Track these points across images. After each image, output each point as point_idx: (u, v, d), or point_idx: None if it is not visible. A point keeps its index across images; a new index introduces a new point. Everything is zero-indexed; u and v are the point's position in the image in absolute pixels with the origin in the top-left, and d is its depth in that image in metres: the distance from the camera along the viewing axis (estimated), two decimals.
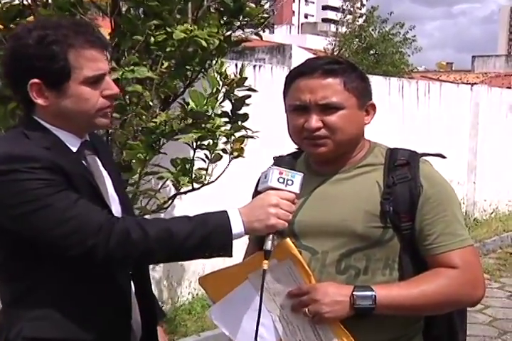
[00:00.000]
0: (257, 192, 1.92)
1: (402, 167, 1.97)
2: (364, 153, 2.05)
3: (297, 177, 1.86)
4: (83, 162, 1.97)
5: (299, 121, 1.96)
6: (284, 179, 1.85)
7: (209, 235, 1.79)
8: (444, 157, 2.09)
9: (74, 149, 1.95)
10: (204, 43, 3.63)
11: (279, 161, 2.00)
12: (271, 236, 1.83)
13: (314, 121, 1.93)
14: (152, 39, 3.66)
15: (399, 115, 8.61)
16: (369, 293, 1.85)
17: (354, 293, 1.85)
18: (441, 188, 1.99)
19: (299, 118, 1.96)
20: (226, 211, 1.84)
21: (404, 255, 1.96)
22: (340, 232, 1.94)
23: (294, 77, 1.99)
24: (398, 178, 1.95)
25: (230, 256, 1.84)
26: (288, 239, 1.90)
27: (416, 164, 1.98)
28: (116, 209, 2.00)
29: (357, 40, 21.63)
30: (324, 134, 1.94)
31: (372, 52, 21.34)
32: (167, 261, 2.02)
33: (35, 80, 1.86)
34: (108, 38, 3.84)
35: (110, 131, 3.86)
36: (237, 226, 1.81)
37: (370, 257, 1.94)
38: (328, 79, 1.94)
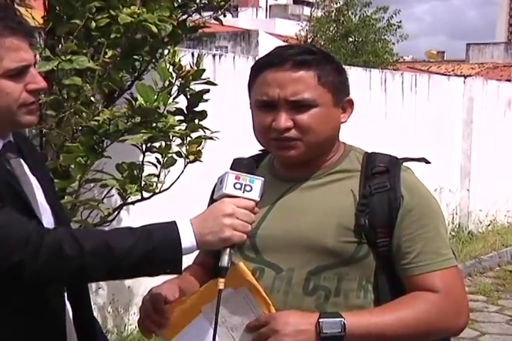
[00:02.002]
0: (212, 201, 1.92)
1: (381, 175, 1.99)
2: (338, 157, 2.07)
3: (256, 183, 1.86)
4: (6, 166, 1.95)
5: (265, 120, 1.98)
6: (241, 185, 1.85)
7: (154, 249, 1.79)
8: (428, 162, 2.11)
9: None
10: (154, 29, 3.63)
11: (235, 165, 2.01)
12: (227, 250, 1.83)
13: (283, 121, 1.94)
14: (93, 23, 3.65)
15: (381, 112, 8.68)
16: (337, 319, 1.86)
17: (320, 319, 1.86)
18: (424, 200, 2.01)
19: (266, 117, 1.97)
20: (175, 222, 1.84)
21: (380, 275, 1.98)
22: (309, 247, 1.96)
23: (260, 68, 2.00)
24: (376, 188, 1.97)
25: (180, 273, 1.85)
26: (241, 263, 1.91)
27: (396, 172, 2.00)
28: (47, 220, 1.99)
29: (334, 25, 21.76)
30: (295, 135, 1.96)
31: (351, 39, 21.49)
32: (106, 279, 2.02)
33: None
34: (41, 21, 3.83)
35: (44, 131, 3.85)
36: (187, 239, 1.81)
37: (342, 276, 1.96)
38: (300, 71, 1.95)
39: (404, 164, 2.06)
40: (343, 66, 2.12)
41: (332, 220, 1.96)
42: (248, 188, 1.85)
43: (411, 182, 2.01)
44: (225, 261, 1.82)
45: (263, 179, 1.88)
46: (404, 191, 1.97)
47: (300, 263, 1.96)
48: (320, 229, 1.96)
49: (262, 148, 2.15)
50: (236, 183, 1.85)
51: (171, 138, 3.80)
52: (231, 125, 5.60)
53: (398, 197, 1.96)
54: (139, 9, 3.65)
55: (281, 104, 1.95)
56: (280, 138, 1.96)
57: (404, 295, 1.95)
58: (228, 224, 1.81)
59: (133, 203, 4.02)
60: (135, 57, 3.95)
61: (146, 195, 3.94)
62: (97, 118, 3.63)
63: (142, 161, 3.84)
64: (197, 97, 3.85)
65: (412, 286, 1.95)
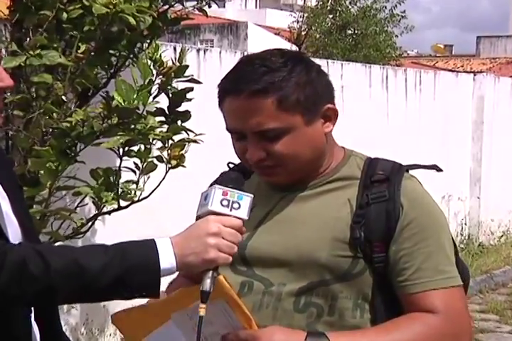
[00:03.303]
0: (196, 218, 1.92)
1: (380, 183, 2.00)
2: (336, 164, 2.08)
3: (245, 200, 1.86)
4: None
5: (240, 148, 2.02)
6: (228, 201, 1.84)
7: (129, 270, 1.78)
8: (439, 170, 2.11)
9: None
10: (132, 21, 3.64)
11: (222, 179, 2.01)
12: (210, 273, 1.82)
13: (254, 154, 1.98)
14: (65, 15, 3.65)
15: (382, 112, 8.69)
16: None
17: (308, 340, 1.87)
18: (427, 211, 2.01)
19: (240, 145, 2.02)
20: (154, 240, 1.83)
21: (378, 293, 1.99)
22: (301, 261, 1.97)
23: (221, 94, 2.02)
24: (373, 197, 1.98)
25: (157, 296, 1.84)
26: (221, 277, 1.91)
27: (397, 180, 2.00)
28: (14, 232, 1.98)
29: (330, 16, 21.79)
30: (272, 164, 1.99)
31: (349, 31, 21.51)
32: (75, 302, 2.01)
33: None
34: (7, 12, 3.83)
35: (11, 133, 3.84)
36: (166, 260, 1.80)
37: (336, 294, 1.97)
38: (258, 101, 1.94)
39: (410, 171, 2.07)
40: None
41: (326, 233, 1.98)
42: (236, 206, 1.85)
43: (413, 191, 2.02)
44: (207, 284, 1.81)
45: (252, 196, 1.88)
46: (404, 201, 1.98)
47: (292, 278, 1.98)
48: (313, 242, 1.98)
49: None
50: (223, 200, 1.84)
51: (151, 141, 3.81)
52: (217, 127, 5.58)
53: (397, 207, 1.97)
54: None
55: (249, 134, 1.97)
56: (258, 166, 2.01)
57: (402, 315, 1.96)
58: (213, 245, 1.80)
59: (109, 213, 4.02)
60: (111, 52, 3.95)
61: (123, 203, 3.95)
62: (69, 119, 3.63)
63: (119, 167, 3.85)
64: (179, 96, 3.86)
65: (410, 306, 1.96)
